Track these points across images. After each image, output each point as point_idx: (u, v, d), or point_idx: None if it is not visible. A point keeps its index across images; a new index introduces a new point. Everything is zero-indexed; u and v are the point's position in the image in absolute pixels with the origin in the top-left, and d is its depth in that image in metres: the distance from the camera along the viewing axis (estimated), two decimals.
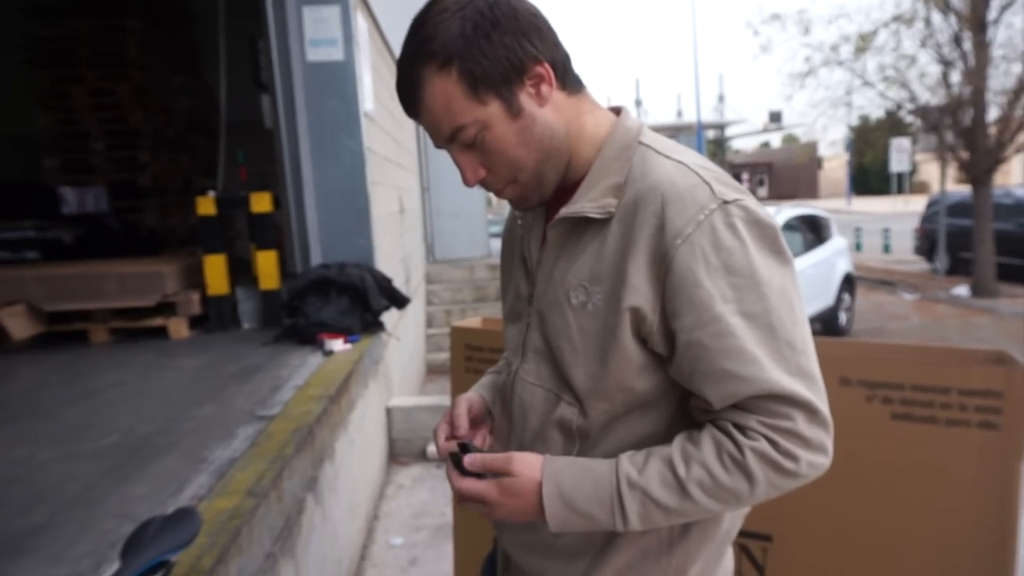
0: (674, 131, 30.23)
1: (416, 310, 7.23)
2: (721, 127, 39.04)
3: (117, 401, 3.16)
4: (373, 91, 4.88)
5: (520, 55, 0.88)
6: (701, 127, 23.57)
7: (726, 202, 0.87)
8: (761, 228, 0.88)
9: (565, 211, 0.94)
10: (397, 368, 5.26)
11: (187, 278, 4.74)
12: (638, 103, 42.11)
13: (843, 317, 8.58)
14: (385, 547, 3.45)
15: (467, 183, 0.95)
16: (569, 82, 0.96)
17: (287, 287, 4.26)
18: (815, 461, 0.85)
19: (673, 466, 0.86)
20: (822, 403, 0.86)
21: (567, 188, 0.98)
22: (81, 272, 4.59)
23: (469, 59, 0.86)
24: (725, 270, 0.84)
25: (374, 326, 4.26)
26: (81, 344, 4.38)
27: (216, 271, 4.59)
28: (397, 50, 5.39)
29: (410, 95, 0.90)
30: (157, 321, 4.48)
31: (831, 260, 8.42)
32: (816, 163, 43.57)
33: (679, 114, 43.43)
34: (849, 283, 8.78)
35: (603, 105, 1.03)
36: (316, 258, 4.51)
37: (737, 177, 43.17)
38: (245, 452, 2.37)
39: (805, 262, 7.70)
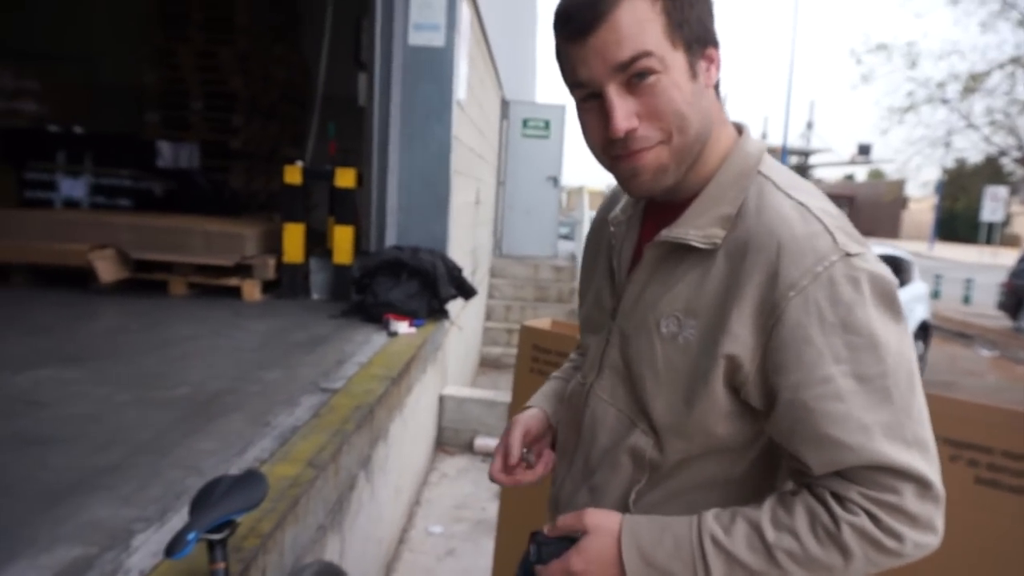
0: None
1: (478, 302, 7.27)
2: (806, 154, 37.91)
3: (190, 354, 3.27)
4: (468, 80, 4.92)
5: (711, 27, 0.87)
6: (786, 152, 22.94)
7: (849, 254, 0.81)
8: (882, 286, 0.82)
9: (667, 233, 0.90)
10: (454, 357, 5.30)
11: (265, 243, 4.88)
12: None
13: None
14: (424, 533, 3.48)
15: (615, 130, 0.83)
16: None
17: (359, 264, 4.33)
18: (922, 541, 0.79)
19: (762, 531, 0.81)
20: (935, 476, 0.79)
21: (675, 204, 0.92)
22: (169, 225, 4.78)
23: (677, 4, 0.82)
24: (842, 328, 0.79)
25: (439, 313, 4.29)
26: (161, 294, 4.57)
27: (294, 239, 4.71)
28: (494, 42, 5.43)
29: (600, 6, 0.80)
30: (233, 281, 4.63)
31: (909, 305, 8.06)
32: (901, 202, 41.91)
33: (763, 136, 42.41)
34: (924, 331, 8.40)
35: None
36: (391, 239, 4.57)
37: None
38: (308, 422, 2.42)
39: None
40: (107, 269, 4.39)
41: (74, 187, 6.33)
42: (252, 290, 4.62)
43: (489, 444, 4.40)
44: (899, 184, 39.12)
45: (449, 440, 4.58)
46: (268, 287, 4.78)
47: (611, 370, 0.99)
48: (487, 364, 7.43)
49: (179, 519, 1.71)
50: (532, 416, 1.16)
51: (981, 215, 19.45)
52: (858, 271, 0.81)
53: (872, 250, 0.85)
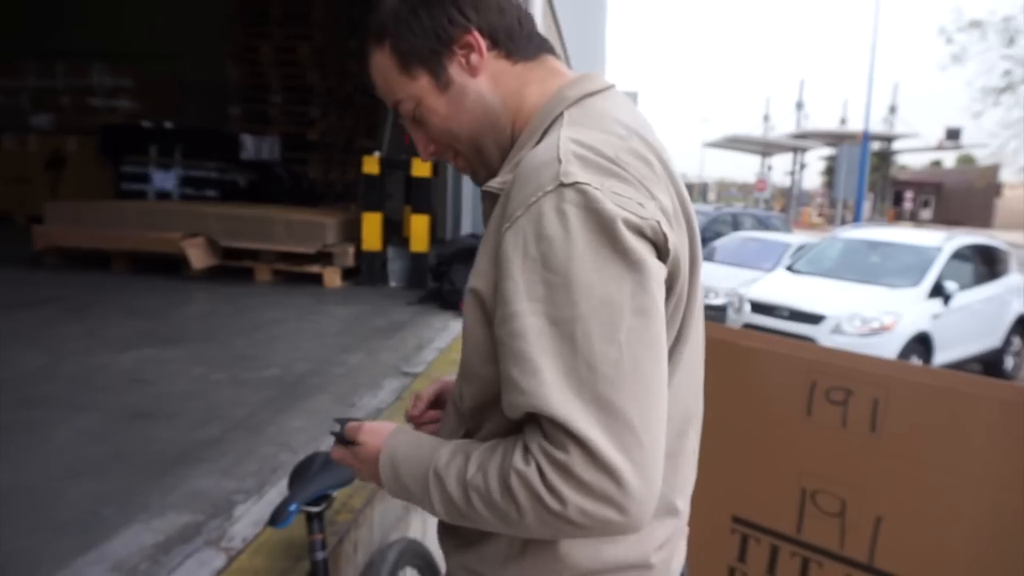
0: (836, 139, 28.37)
1: None
2: (889, 139, 36.19)
3: (277, 337, 3.40)
4: None
5: (446, 26, 0.85)
6: (867, 137, 21.96)
7: (564, 184, 0.72)
8: (599, 220, 0.71)
9: (484, 186, 0.88)
10: None
11: (345, 231, 5.01)
12: (799, 106, 39.81)
13: (1010, 362, 7.74)
14: None
15: (422, 158, 0.94)
16: (517, 49, 0.88)
17: (436, 252, 4.40)
18: (592, 511, 0.68)
19: (467, 466, 0.76)
20: (609, 445, 0.68)
21: None
22: (254, 214, 4.97)
23: (399, 35, 0.86)
24: (542, 263, 0.71)
25: None
26: (247, 281, 4.76)
27: (372, 228, 4.82)
28: (565, 27, 5.40)
29: (366, 69, 0.90)
30: (314, 268, 4.78)
31: (1004, 298, 7.62)
32: (994, 189, 39.50)
33: (843, 121, 40.73)
34: (1022, 326, 7.92)
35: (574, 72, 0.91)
36: (466, 228, 4.62)
37: (899, 196, 40.08)
38: (391, 404, 2.48)
39: (973, 296, 7.02)
40: (198, 256, 4.61)
41: (165, 179, 6.67)
42: (332, 277, 4.75)
43: None
44: (992, 170, 36.85)
45: None
46: (347, 274, 4.92)
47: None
48: None
49: (275, 492, 1.78)
50: (451, 381, 1.15)
51: None
52: (568, 203, 0.72)
53: (621, 182, 0.73)
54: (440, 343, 3.37)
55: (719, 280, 7.82)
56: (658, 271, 0.73)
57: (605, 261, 0.71)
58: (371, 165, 4.81)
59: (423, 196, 4.77)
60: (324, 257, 4.80)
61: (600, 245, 0.71)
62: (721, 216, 12.75)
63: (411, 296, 4.44)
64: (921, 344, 6.11)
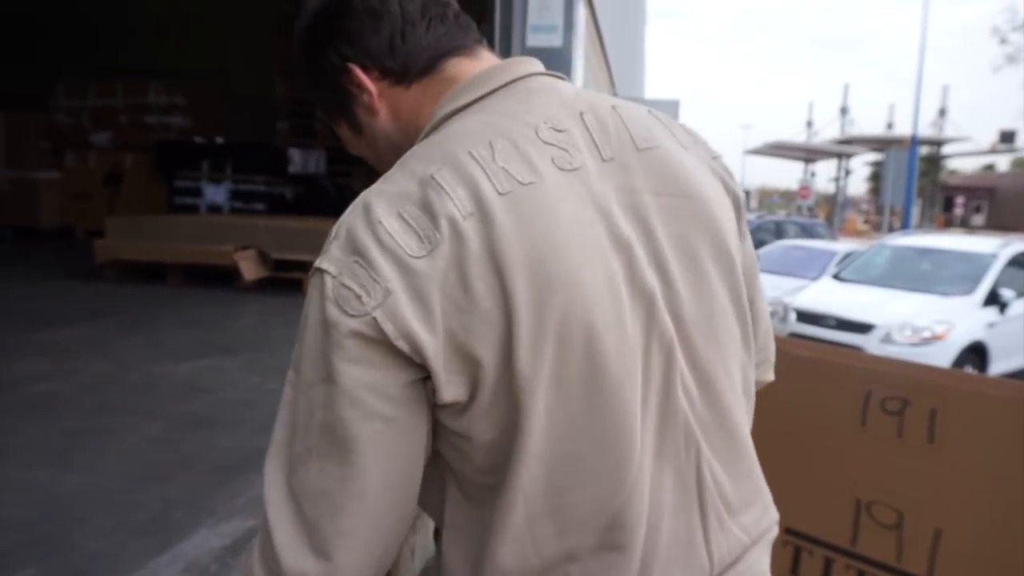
0: (882, 144, 27.73)
1: None
2: (938, 144, 35.23)
3: None
4: (583, 79, 4.94)
5: (329, 72, 0.76)
6: (916, 142, 21.42)
7: (316, 268, 0.65)
8: (319, 317, 0.63)
9: None
10: None
11: None
12: (844, 111, 39.08)
13: None
14: None
15: None
16: (406, 68, 0.74)
17: None
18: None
19: None
20: (289, 543, 0.63)
21: None
22: (303, 226, 5.10)
23: (308, 91, 0.81)
24: (298, 335, 0.67)
25: None
26: (296, 292, 4.87)
27: None
28: (608, 39, 5.41)
29: None
30: None
31: None
32: None
33: (889, 126, 39.83)
34: None
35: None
36: None
37: (949, 201, 38.94)
38: None
39: None
40: (250, 268, 4.75)
41: (216, 193, 6.89)
42: None
43: None
44: None
45: None
46: None
47: None
48: None
49: None
50: None
51: None
52: (313, 289, 0.65)
53: (360, 280, 0.61)
54: None
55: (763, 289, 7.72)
56: (380, 380, 0.61)
57: (317, 359, 0.63)
58: None
59: None
60: None
61: (318, 339, 0.63)
62: (764, 224, 12.60)
63: None
64: (975, 354, 5.94)
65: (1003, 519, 1.51)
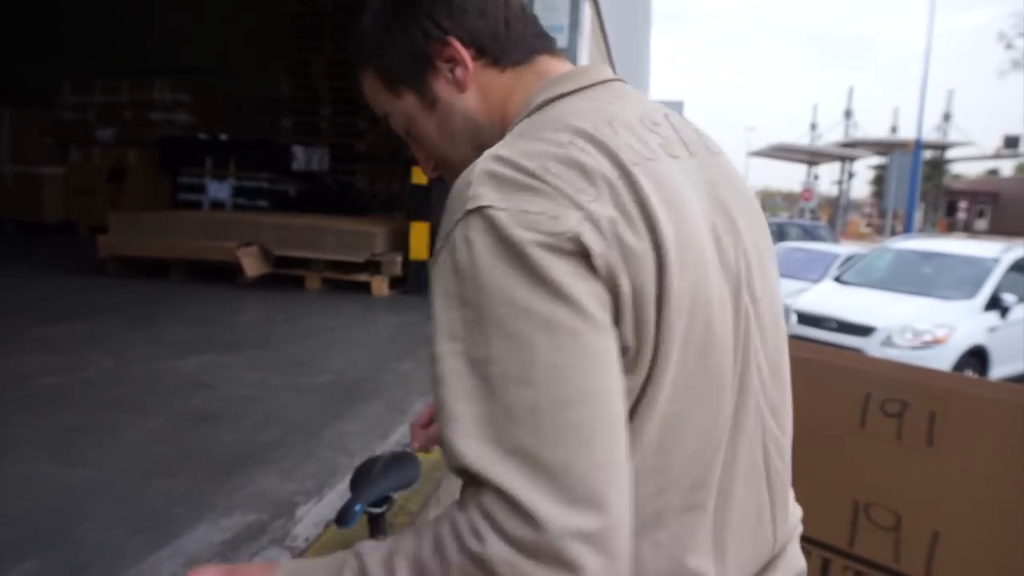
0: (886, 147, 27.71)
1: None
2: (942, 148, 35.20)
3: (329, 344, 3.50)
4: None
5: (421, 42, 0.78)
6: (920, 146, 21.40)
7: (469, 211, 0.64)
8: (503, 246, 0.62)
9: None
10: None
11: (393, 241, 5.12)
12: (848, 114, 39.05)
13: None
14: None
15: (426, 175, 0.88)
16: (506, 54, 0.79)
17: None
18: (513, 561, 0.56)
19: (392, 546, 0.65)
20: (540, 497, 0.56)
21: None
22: (305, 223, 5.11)
23: (378, 56, 0.80)
24: (457, 299, 0.63)
25: None
26: (297, 289, 4.89)
27: (420, 237, 4.91)
28: (612, 40, 5.42)
29: (361, 90, 0.86)
30: (363, 277, 4.89)
31: None
32: None
33: (893, 130, 39.77)
34: None
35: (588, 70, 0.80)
36: None
37: (953, 205, 38.87)
38: None
39: None
40: (252, 265, 4.76)
41: (220, 190, 6.90)
42: (381, 285, 4.86)
43: None
44: None
45: None
46: (394, 283, 5.01)
47: None
48: None
49: (334, 495, 1.85)
50: None
51: None
52: (473, 230, 0.63)
53: (537, 198, 0.63)
54: None
55: None
56: (585, 296, 0.61)
57: (514, 291, 0.61)
58: (419, 176, 4.91)
59: None
60: (372, 266, 4.91)
61: (506, 273, 0.61)
62: None
63: None
64: (976, 358, 5.95)
65: (1001, 522, 1.52)
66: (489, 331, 0.61)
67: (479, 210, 0.63)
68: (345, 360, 3.19)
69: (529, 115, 0.74)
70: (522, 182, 0.64)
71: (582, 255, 0.61)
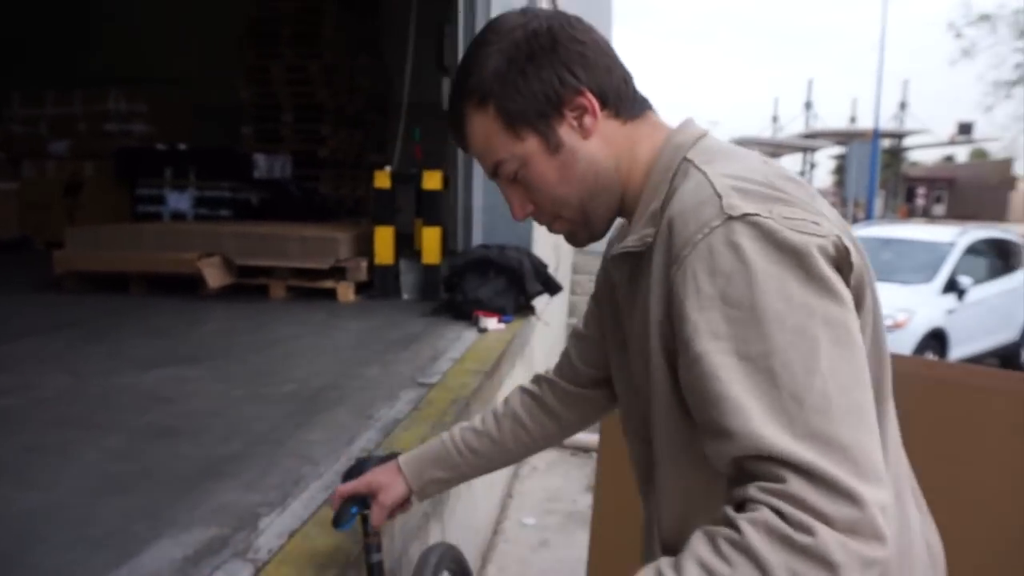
0: (846, 137, 28.26)
1: (561, 299, 7.30)
2: (899, 136, 35.99)
3: (293, 353, 3.46)
4: None
5: (557, 88, 0.83)
6: (878, 135, 21.85)
7: (732, 217, 0.70)
8: (778, 248, 0.69)
9: (615, 250, 0.89)
10: (540, 352, 5.36)
11: (357, 246, 5.08)
12: (808, 106, 39.72)
13: None
14: (518, 525, 3.55)
15: (515, 217, 0.91)
16: (625, 108, 0.87)
17: (449, 264, 4.45)
18: (849, 544, 0.59)
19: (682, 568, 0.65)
20: (846, 474, 0.61)
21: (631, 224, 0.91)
22: (268, 232, 5.05)
23: (504, 96, 0.83)
24: (721, 300, 0.69)
25: (526, 309, 4.36)
26: (262, 298, 4.82)
27: (385, 242, 4.88)
28: None
29: (457, 129, 0.89)
30: (328, 283, 4.84)
31: (1020, 291, 7.58)
32: (1010, 183, 39.14)
33: (852, 120, 40.54)
34: None
35: (673, 123, 0.91)
36: (477, 238, 4.67)
37: (911, 192, 39.76)
38: (408, 414, 2.52)
39: (988, 290, 7.00)
40: (214, 275, 4.68)
41: (180, 200, 6.78)
42: (346, 291, 4.81)
43: (580, 439, 4.42)
44: (1006, 163, 36.55)
45: None
46: (360, 288, 4.97)
47: (623, 396, 0.99)
48: None
49: (299, 504, 1.82)
50: (382, 475, 1.22)
51: None
52: (740, 236, 0.69)
53: (798, 209, 0.72)
54: (454, 353, 3.41)
55: None
56: (847, 293, 0.70)
57: (792, 289, 0.67)
58: (382, 180, 4.88)
59: (434, 209, 4.82)
60: (337, 272, 4.86)
61: (783, 273, 0.68)
62: None
63: (424, 308, 4.49)
64: (936, 340, 6.10)
65: (958, 501, 1.55)
66: (767, 327, 0.67)
67: (743, 217, 0.70)
68: (310, 368, 3.15)
69: (689, 150, 0.83)
70: (767, 194, 0.73)
71: (840, 257, 0.71)
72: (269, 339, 3.72)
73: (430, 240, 4.78)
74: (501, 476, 3.69)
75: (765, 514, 0.61)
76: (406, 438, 2.28)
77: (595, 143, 0.85)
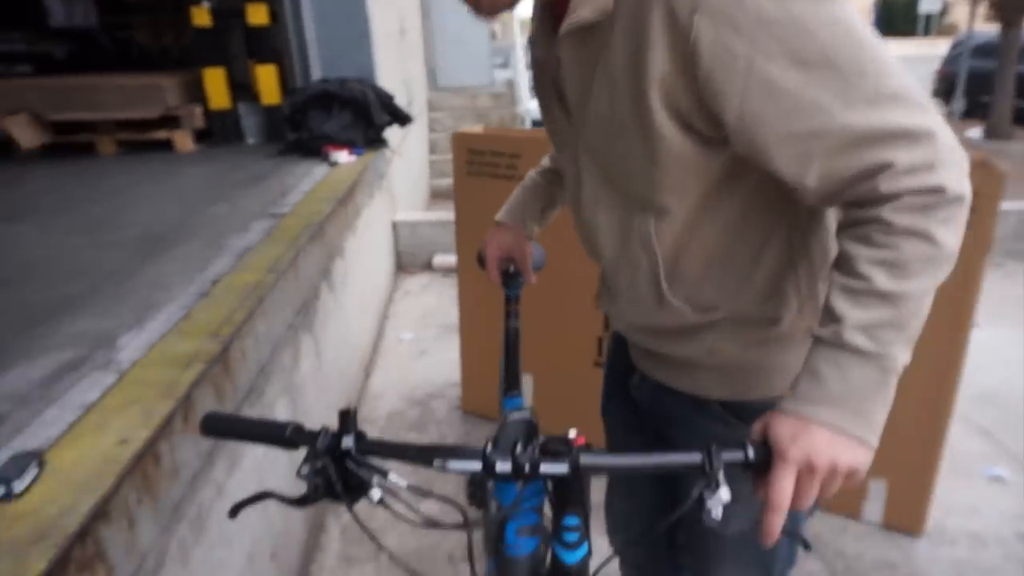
0: None
1: (420, 136, 7.20)
2: None
3: (133, 201, 3.29)
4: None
5: None
6: None
7: None
8: None
9: (565, 26, 0.85)
10: (402, 187, 5.37)
11: (188, 93, 4.72)
12: None
13: None
14: (396, 341, 3.75)
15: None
16: None
17: (289, 101, 4.26)
18: (958, 174, 0.73)
19: (847, 288, 0.76)
20: (919, 118, 0.72)
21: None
22: (79, 83, 4.56)
23: None
24: (758, 24, 0.71)
25: (377, 142, 4.31)
26: (90, 156, 4.46)
27: (216, 84, 4.56)
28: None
29: None
30: (162, 134, 4.53)
31: None
32: None
33: None
34: None
35: None
36: (316, 74, 4.46)
37: None
38: (261, 241, 2.54)
39: None
40: (25, 135, 4.25)
41: None
42: (184, 141, 4.53)
43: (448, 260, 4.60)
44: None
45: (408, 263, 4.78)
46: (201, 138, 4.69)
47: (588, 176, 0.98)
48: (438, 195, 7.52)
49: (156, 323, 1.86)
50: (501, 233, 1.34)
51: (919, 6, 19.26)
52: None
53: None
54: (305, 186, 3.38)
55: None
56: None
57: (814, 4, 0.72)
58: (201, 17, 4.47)
59: (265, 45, 4.52)
60: (171, 121, 4.54)
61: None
62: None
63: (271, 150, 4.34)
64: None
65: None
66: (811, 29, 0.71)
67: None
68: (153, 213, 3.04)
69: None
70: None
71: None
72: (104, 191, 3.51)
73: (266, 79, 4.52)
74: (374, 299, 3.83)
75: (895, 199, 0.73)
76: (261, 259, 2.32)
77: None
